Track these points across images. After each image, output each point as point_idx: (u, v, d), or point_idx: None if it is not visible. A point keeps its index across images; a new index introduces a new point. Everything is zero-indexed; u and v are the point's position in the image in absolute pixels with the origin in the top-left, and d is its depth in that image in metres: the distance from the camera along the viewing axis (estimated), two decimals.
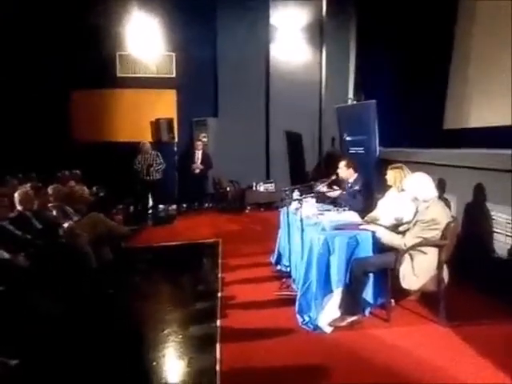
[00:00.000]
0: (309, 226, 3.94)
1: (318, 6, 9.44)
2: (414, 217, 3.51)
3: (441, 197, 3.95)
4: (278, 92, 9.42)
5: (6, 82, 8.30)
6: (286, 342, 3.29)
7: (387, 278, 3.46)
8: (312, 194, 4.76)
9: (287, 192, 4.86)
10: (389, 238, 3.53)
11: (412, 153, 5.92)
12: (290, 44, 9.50)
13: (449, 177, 4.87)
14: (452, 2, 6.88)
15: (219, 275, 4.87)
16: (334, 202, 4.89)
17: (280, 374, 2.91)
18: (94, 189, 7.32)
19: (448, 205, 4.16)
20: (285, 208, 4.87)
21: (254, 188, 9.19)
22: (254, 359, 3.05)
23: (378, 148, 6.48)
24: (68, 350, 3.22)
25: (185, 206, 9.26)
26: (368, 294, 3.56)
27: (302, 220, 3.98)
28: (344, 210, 4.33)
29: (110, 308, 4.09)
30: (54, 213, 4.96)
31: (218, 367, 2.93)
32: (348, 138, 7.22)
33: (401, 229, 3.68)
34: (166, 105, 9.36)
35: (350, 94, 9.06)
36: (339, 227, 3.76)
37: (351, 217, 4.08)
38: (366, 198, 4.67)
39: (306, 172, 9.61)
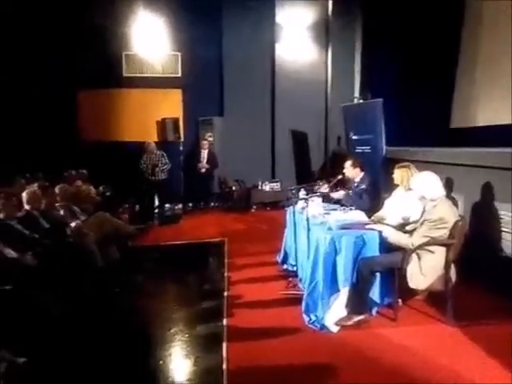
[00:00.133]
0: (315, 226, 3.93)
1: (324, 6, 9.42)
2: (422, 216, 3.49)
3: (448, 196, 3.91)
4: (283, 91, 9.41)
5: (13, 82, 8.36)
6: (292, 342, 3.29)
7: (394, 278, 3.45)
8: (318, 194, 4.75)
9: (293, 191, 4.85)
10: (396, 237, 3.51)
11: (419, 152, 5.88)
12: (296, 43, 9.48)
13: (456, 176, 4.83)
14: (458, 3, 6.83)
15: (225, 274, 4.87)
16: (340, 202, 4.87)
17: (286, 373, 2.90)
18: (101, 188, 7.35)
19: (455, 204, 4.13)
20: (291, 207, 4.86)
21: (260, 187, 9.19)
22: (261, 358, 3.05)
23: (384, 147, 6.45)
24: (74, 348, 3.24)
25: (191, 205, 9.27)
26: (375, 293, 3.55)
27: (308, 219, 3.97)
28: (350, 209, 4.31)
29: (117, 307, 4.11)
30: (62, 212, 4.99)
31: (224, 366, 2.93)
32: (354, 137, 7.20)
33: (408, 228, 3.66)
34: (171, 104, 9.38)
35: (356, 93, 9.04)
36: (346, 226, 3.75)
37: (358, 216, 4.07)
38: (372, 197, 4.65)
39: (312, 171, 9.59)
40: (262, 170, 9.40)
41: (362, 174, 4.85)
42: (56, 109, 8.65)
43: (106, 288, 4.41)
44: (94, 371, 2.97)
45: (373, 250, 3.58)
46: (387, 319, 3.57)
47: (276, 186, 9.10)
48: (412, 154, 5.78)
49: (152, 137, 9.07)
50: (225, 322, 3.62)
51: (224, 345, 3.22)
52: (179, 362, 3.11)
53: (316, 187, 4.86)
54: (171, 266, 5.50)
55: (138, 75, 9.35)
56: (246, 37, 9.18)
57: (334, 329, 3.43)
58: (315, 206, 4.29)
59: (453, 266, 3.45)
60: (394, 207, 4.05)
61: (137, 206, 8.24)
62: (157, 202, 8.55)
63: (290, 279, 4.49)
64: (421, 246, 3.35)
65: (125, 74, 9.33)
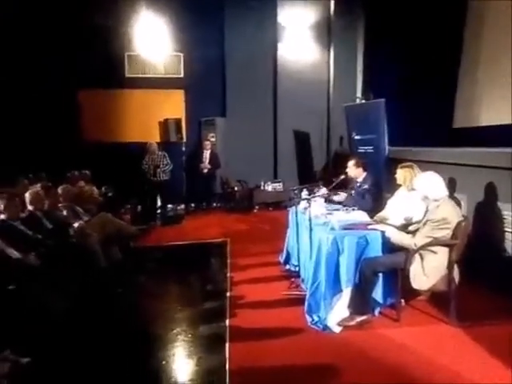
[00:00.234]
0: (317, 226, 3.93)
1: (326, 5, 9.42)
2: (424, 216, 3.49)
3: (451, 196, 3.90)
4: (285, 91, 9.41)
5: (15, 83, 8.39)
6: (294, 342, 3.29)
7: (397, 278, 3.44)
8: (320, 194, 4.74)
9: (296, 191, 4.85)
10: (398, 237, 3.51)
11: (421, 152, 5.87)
12: (298, 43, 9.47)
13: (459, 176, 4.82)
14: (461, 3, 6.81)
15: (228, 275, 4.87)
16: (342, 202, 4.86)
17: (289, 374, 2.90)
18: (103, 189, 7.36)
19: (458, 204, 4.12)
20: (293, 207, 4.86)
21: (262, 187, 9.19)
22: (263, 359, 3.05)
23: (386, 147, 6.44)
24: (77, 348, 3.25)
25: (193, 205, 9.28)
26: (377, 293, 3.55)
27: (310, 219, 3.96)
28: (353, 209, 4.31)
29: (120, 307, 4.12)
30: (65, 213, 5.00)
31: (227, 366, 2.93)
32: (357, 137, 7.19)
33: (411, 228, 3.65)
34: (174, 105, 9.39)
35: (359, 93, 9.04)
36: (348, 227, 3.74)
37: (360, 216, 4.06)
38: (374, 197, 4.64)
39: (315, 171, 9.59)
40: (264, 170, 9.40)
41: (365, 173, 4.85)
42: (58, 109, 8.67)
43: (109, 288, 4.42)
44: (96, 371, 2.98)
45: (375, 250, 3.57)
46: (390, 320, 3.56)
47: (278, 186, 9.09)
48: (415, 154, 5.77)
49: (154, 137, 9.08)
50: (227, 322, 3.62)
51: (227, 345, 3.22)
52: (182, 362, 3.11)
53: (315, 190, 4.84)
54: (174, 266, 5.51)
55: (141, 76, 9.36)
56: (248, 37, 9.18)
57: (337, 329, 3.43)
58: (318, 206, 4.29)
59: (456, 267, 3.44)
60: (397, 207, 4.05)
61: (139, 207, 8.24)
62: (159, 203, 8.53)
63: (293, 279, 4.49)
64: (424, 247, 3.35)
65: (127, 75, 9.34)
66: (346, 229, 3.70)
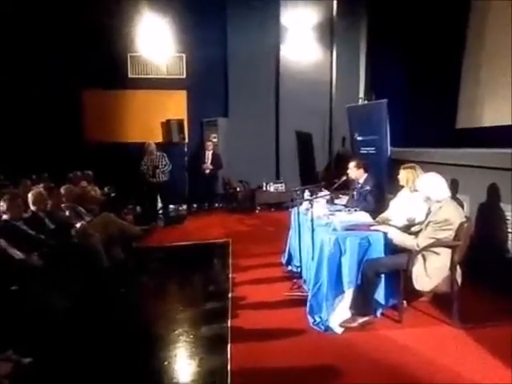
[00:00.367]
0: (320, 227, 3.93)
1: (329, 6, 9.41)
2: (427, 217, 3.48)
3: (454, 197, 3.90)
4: (288, 92, 9.40)
5: (17, 83, 8.43)
6: (296, 343, 3.28)
7: (399, 279, 3.44)
8: (323, 194, 4.74)
9: (298, 192, 4.85)
10: (401, 238, 3.50)
11: (424, 152, 5.86)
12: (300, 44, 9.47)
13: (462, 177, 4.81)
14: (464, 3, 6.79)
15: (230, 275, 4.87)
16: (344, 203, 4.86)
17: (291, 375, 2.90)
18: (106, 189, 7.38)
19: (461, 205, 4.11)
20: (295, 208, 4.86)
21: (264, 188, 9.19)
22: (265, 359, 3.05)
23: (389, 148, 6.43)
24: (79, 349, 3.25)
25: (195, 206, 9.30)
26: (380, 294, 3.54)
27: (312, 220, 3.96)
28: (355, 210, 4.30)
29: (122, 307, 4.12)
30: (67, 213, 5.02)
31: (229, 367, 2.93)
32: (359, 138, 7.18)
33: (413, 229, 3.65)
34: (176, 106, 9.41)
35: (361, 94, 9.03)
36: (350, 228, 3.74)
37: (362, 217, 4.05)
38: (377, 198, 4.64)
39: (317, 172, 9.58)
40: (266, 170, 9.40)
41: (366, 175, 4.85)
42: (61, 110, 8.71)
43: (111, 288, 4.43)
44: (98, 372, 2.98)
45: (378, 251, 3.57)
46: (392, 321, 3.55)
47: (280, 186, 9.09)
48: (417, 155, 5.76)
49: (157, 138, 9.10)
50: (229, 323, 3.61)
51: (228, 346, 3.22)
52: (184, 362, 3.10)
53: (318, 193, 4.83)
54: (176, 266, 5.51)
55: (143, 76, 9.39)
56: (250, 37, 9.18)
57: (339, 330, 3.42)
58: (320, 206, 4.29)
59: (458, 268, 3.43)
60: (400, 208, 4.04)
61: (138, 208, 8.16)
62: (160, 204, 8.48)
63: (295, 280, 4.49)
64: (426, 248, 3.34)
65: (130, 76, 9.36)
66: (348, 230, 3.69)
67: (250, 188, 9.28)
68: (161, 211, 8.45)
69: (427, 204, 3.52)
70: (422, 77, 7.04)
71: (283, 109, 9.52)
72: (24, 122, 8.45)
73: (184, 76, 9.45)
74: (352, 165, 4.87)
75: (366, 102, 8.40)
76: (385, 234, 3.59)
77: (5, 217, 4.11)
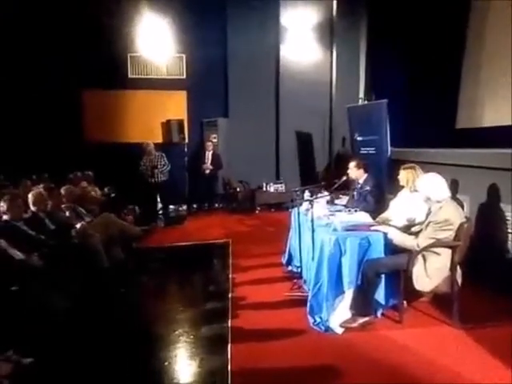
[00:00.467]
0: (320, 227, 3.93)
1: (329, 6, 9.41)
2: (427, 217, 3.48)
3: (454, 197, 3.90)
4: (288, 92, 9.41)
5: (17, 83, 8.42)
6: (297, 343, 3.28)
7: (399, 280, 3.44)
8: (323, 194, 4.74)
9: (298, 192, 4.85)
10: (401, 239, 3.51)
11: (424, 153, 5.86)
12: (300, 44, 9.47)
13: (462, 177, 4.81)
14: (464, 3, 6.79)
15: (230, 276, 4.87)
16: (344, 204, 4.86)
17: (291, 375, 2.90)
18: (106, 189, 7.38)
19: (461, 205, 4.11)
20: (295, 208, 4.86)
21: (264, 188, 9.19)
22: (265, 360, 3.05)
23: (389, 148, 6.43)
24: (80, 349, 3.25)
25: (195, 206, 9.30)
26: (380, 295, 3.54)
27: (312, 220, 3.96)
28: (355, 210, 4.30)
29: (122, 308, 4.12)
30: (67, 213, 5.02)
31: (229, 367, 2.93)
32: (359, 138, 7.19)
33: (413, 230, 3.65)
34: (176, 106, 9.41)
35: (361, 94, 9.03)
36: (350, 228, 3.74)
37: (362, 217, 4.05)
38: (377, 198, 4.64)
39: (317, 172, 9.59)
40: (266, 171, 9.40)
41: (366, 175, 4.85)
42: (61, 110, 8.71)
43: (111, 289, 4.43)
44: (99, 372, 2.98)
45: (378, 251, 3.57)
46: (392, 321, 3.56)
47: (280, 187, 9.09)
48: (417, 155, 5.76)
49: (157, 138, 9.10)
50: (229, 323, 3.61)
51: (229, 346, 3.22)
52: (184, 363, 3.11)
53: (318, 194, 4.83)
54: (176, 267, 5.51)
55: (143, 77, 9.39)
56: (250, 38, 9.19)
57: (339, 330, 3.42)
58: (320, 207, 4.29)
59: (458, 268, 3.43)
60: (400, 208, 4.04)
61: (136, 208, 8.13)
62: (160, 205, 8.45)
63: (295, 281, 4.49)
64: (426, 248, 3.34)
65: (130, 76, 9.36)
66: (348, 230, 3.69)
67: (250, 188, 9.28)
68: (161, 211, 8.46)
69: (427, 204, 3.53)
70: (422, 77, 7.04)
71: (283, 109, 9.52)
72: (24, 122, 8.44)
73: (184, 76, 9.45)
74: (352, 165, 4.87)
75: (366, 102, 8.41)
76: (385, 234, 3.59)
77: (5, 217, 4.11)
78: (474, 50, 6.77)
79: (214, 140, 9.33)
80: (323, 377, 2.87)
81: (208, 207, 9.21)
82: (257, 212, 8.96)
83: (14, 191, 5.31)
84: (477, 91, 6.65)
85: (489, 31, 6.50)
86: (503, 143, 4.81)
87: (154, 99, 9.30)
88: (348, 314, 3.50)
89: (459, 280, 3.43)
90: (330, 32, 9.53)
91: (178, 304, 4.23)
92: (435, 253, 3.34)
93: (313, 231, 3.94)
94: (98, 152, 8.46)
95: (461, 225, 3.33)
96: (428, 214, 3.50)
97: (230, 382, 2.79)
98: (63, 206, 5.09)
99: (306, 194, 4.69)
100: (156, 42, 9.05)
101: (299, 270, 4.59)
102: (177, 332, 3.52)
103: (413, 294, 3.56)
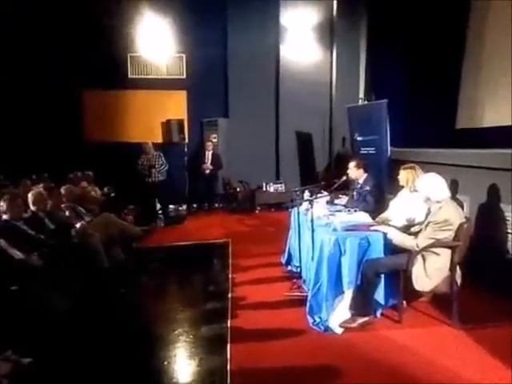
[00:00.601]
0: (320, 227, 3.93)
1: (329, 6, 9.41)
2: (427, 217, 3.48)
3: (453, 197, 3.90)
4: (288, 92, 9.40)
5: (18, 83, 8.43)
6: (296, 343, 3.28)
7: (399, 280, 3.44)
8: (323, 194, 4.74)
9: (298, 192, 4.85)
10: (401, 239, 3.51)
11: (424, 153, 5.86)
12: (300, 44, 9.47)
13: (462, 177, 4.81)
14: (464, 3, 6.79)
15: (230, 275, 4.87)
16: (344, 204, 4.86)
17: (290, 375, 2.90)
18: (106, 189, 7.38)
19: (461, 205, 4.11)
20: (295, 208, 4.86)
21: (264, 188, 9.19)
22: (265, 360, 3.05)
23: (389, 148, 6.43)
24: (79, 349, 3.25)
25: (195, 206, 9.30)
26: (379, 295, 3.54)
27: (312, 220, 3.96)
28: (355, 210, 4.30)
29: (122, 307, 4.12)
30: (67, 213, 5.02)
31: (228, 367, 2.93)
32: (359, 138, 7.19)
33: (413, 230, 3.65)
34: (176, 106, 9.41)
35: (361, 94, 9.03)
36: (350, 228, 3.74)
37: (362, 217, 4.06)
38: (376, 198, 4.64)
39: (317, 172, 9.59)
40: (266, 171, 9.40)
41: (366, 175, 4.85)
42: (61, 110, 8.72)
43: (111, 288, 4.43)
44: (98, 372, 2.98)
45: (377, 251, 3.57)
46: (392, 321, 3.56)
47: (280, 187, 9.10)
48: (417, 155, 5.76)
49: (157, 138, 9.11)
50: (229, 323, 3.62)
51: (228, 346, 3.22)
52: (184, 362, 3.11)
53: (318, 195, 4.84)
54: (176, 267, 5.51)
55: (143, 77, 9.40)
56: (250, 38, 9.18)
57: (339, 330, 3.42)
58: (320, 207, 4.29)
59: (458, 268, 3.43)
60: (399, 209, 4.04)
61: (132, 207, 8.09)
62: (158, 205, 8.41)
63: (294, 281, 4.49)
64: (426, 248, 3.34)
65: (130, 76, 9.37)
66: (348, 230, 3.69)
67: (249, 188, 9.28)
68: (161, 211, 8.45)
69: (427, 204, 3.53)
70: (422, 77, 7.03)
71: (283, 109, 9.52)
72: (24, 122, 8.45)
73: (184, 76, 9.46)
74: (352, 165, 4.88)
75: (366, 102, 8.40)
76: (384, 234, 3.59)
77: (5, 217, 4.11)
78: (473, 50, 6.76)
79: (214, 140, 9.33)
80: (323, 377, 2.87)
81: (208, 207, 9.21)
82: (257, 212, 8.96)
83: (14, 191, 5.30)
84: (477, 91, 6.64)
85: (489, 31, 6.50)
86: (503, 143, 4.80)
87: (154, 99, 9.30)
88: (347, 314, 3.50)
89: (459, 280, 3.44)
90: (330, 32, 9.53)
91: (177, 304, 4.23)
92: (435, 253, 3.34)
93: (312, 231, 3.94)
94: (98, 152, 8.46)
95: (460, 225, 3.33)
96: (428, 214, 3.50)
97: (229, 381, 2.79)
98: (63, 205, 5.09)
99: (306, 194, 4.69)
100: (156, 41, 9.06)
101: (299, 269, 4.60)
102: (176, 332, 3.52)
103: (412, 294, 3.56)
